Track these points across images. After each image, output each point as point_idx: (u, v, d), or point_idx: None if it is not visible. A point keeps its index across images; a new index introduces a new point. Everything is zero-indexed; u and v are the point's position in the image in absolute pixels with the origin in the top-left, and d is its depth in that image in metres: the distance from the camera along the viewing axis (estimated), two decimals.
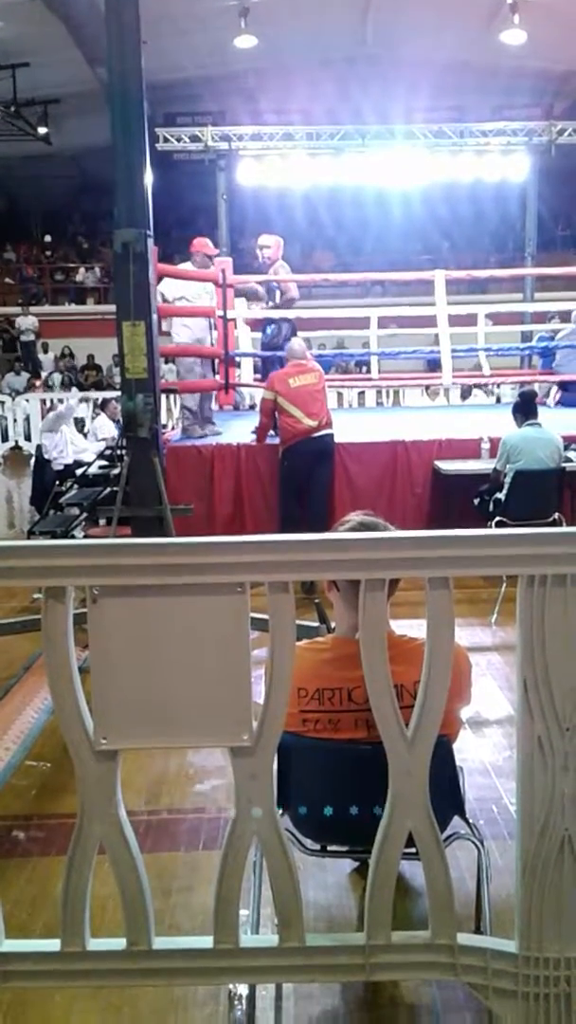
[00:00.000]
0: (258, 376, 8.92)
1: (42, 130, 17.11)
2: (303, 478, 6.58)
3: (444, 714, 1.86)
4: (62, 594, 1.82)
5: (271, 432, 6.80)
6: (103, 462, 7.17)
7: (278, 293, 8.23)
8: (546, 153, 14.45)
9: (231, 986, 2.28)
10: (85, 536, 6.57)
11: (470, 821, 2.30)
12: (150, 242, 4.94)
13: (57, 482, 8.25)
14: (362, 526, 2.24)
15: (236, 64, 16.82)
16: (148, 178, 4.97)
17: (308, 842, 2.24)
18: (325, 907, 2.73)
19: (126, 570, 1.80)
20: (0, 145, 17.37)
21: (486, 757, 3.61)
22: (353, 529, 2.22)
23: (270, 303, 8.35)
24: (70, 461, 8.85)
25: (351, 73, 17.85)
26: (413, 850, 1.93)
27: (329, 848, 2.30)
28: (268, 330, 8.37)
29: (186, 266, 7.67)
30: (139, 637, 1.84)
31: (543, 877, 1.89)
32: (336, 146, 14.28)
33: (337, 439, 6.94)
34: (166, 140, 14.33)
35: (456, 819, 2.24)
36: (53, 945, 1.94)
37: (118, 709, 1.85)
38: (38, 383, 18.61)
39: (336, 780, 2.19)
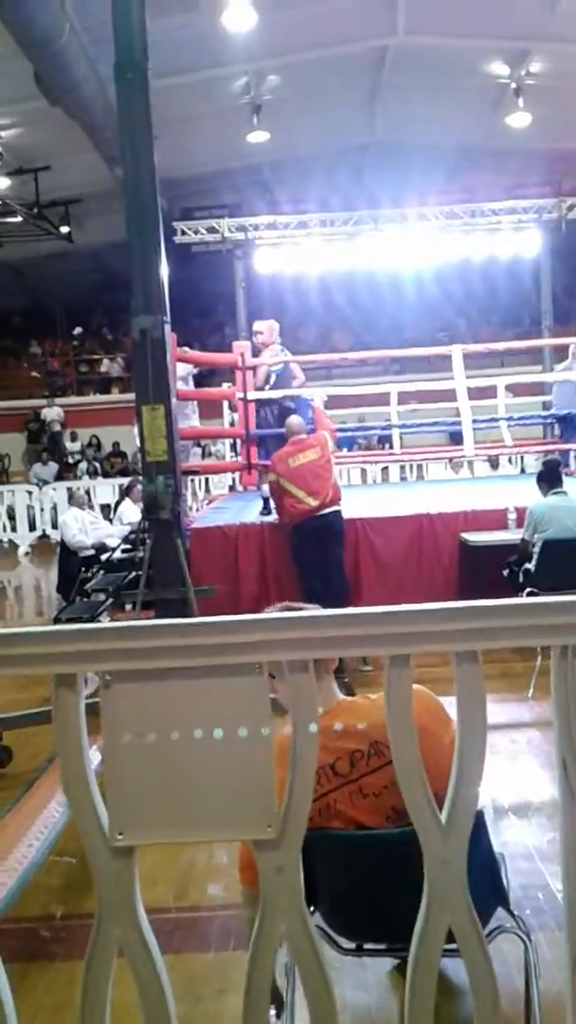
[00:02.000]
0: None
1: (64, 229, 17.67)
2: (316, 556, 6.49)
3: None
4: (72, 681, 1.75)
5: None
6: (127, 546, 7.16)
7: (294, 381, 8.25)
8: (557, 229, 14.68)
9: None
10: (111, 621, 6.52)
11: (515, 912, 2.17)
12: (167, 328, 4.99)
13: (83, 568, 8.24)
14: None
15: (250, 157, 17.37)
16: (164, 267, 5.05)
17: (343, 941, 2.11)
18: (364, 1008, 2.56)
19: (136, 653, 1.73)
20: (24, 245, 17.93)
21: (529, 841, 3.44)
22: None
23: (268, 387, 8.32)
24: (89, 543, 8.86)
25: (363, 160, 18.38)
26: (454, 946, 1.80)
27: (365, 947, 2.16)
28: (261, 412, 8.31)
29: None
30: (153, 724, 1.76)
31: None
32: (350, 231, 14.61)
33: (361, 514, 6.89)
34: (184, 233, 14.72)
35: (500, 911, 2.11)
36: None
37: (133, 802, 1.76)
38: (68, 474, 18.88)
39: (359, 872, 2.06)
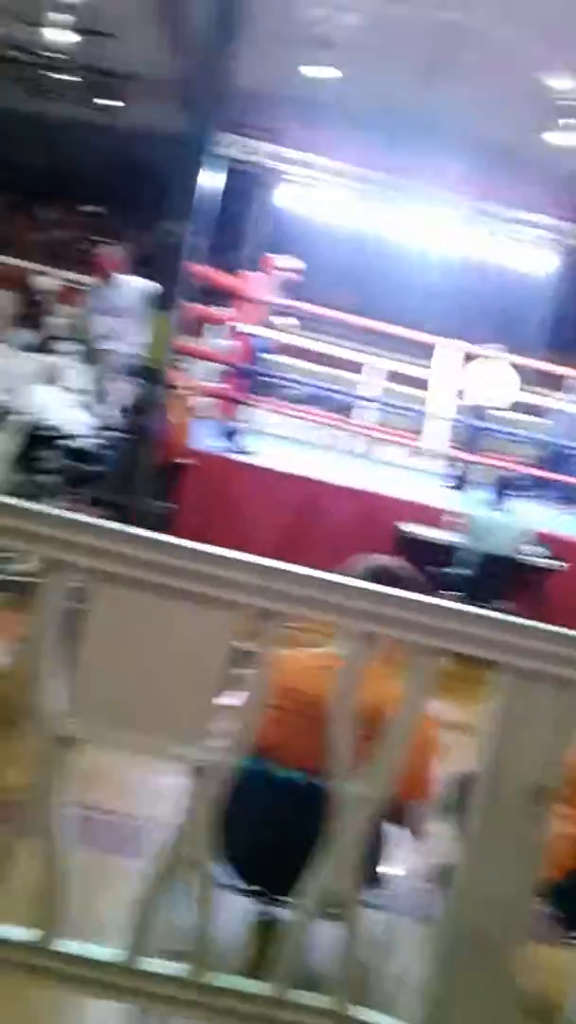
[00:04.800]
0: None
1: (110, 103, 17.12)
2: None
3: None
4: (60, 567, 1.78)
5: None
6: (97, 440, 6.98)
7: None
8: (573, 255, 14.77)
9: None
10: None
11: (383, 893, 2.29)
12: (191, 235, 4.91)
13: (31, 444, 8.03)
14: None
15: (301, 91, 16.96)
16: (216, 178, 4.96)
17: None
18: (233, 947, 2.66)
19: (134, 562, 1.77)
20: (65, 108, 17.34)
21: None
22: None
23: None
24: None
25: (408, 131, 18.10)
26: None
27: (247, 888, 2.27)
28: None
29: None
30: (129, 632, 1.81)
31: (458, 966, 1.88)
32: (381, 195, 14.45)
33: (312, 475, 6.99)
34: (217, 143, 14.38)
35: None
36: None
37: (90, 698, 1.81)
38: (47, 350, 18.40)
39: (272, 812, 2.16)
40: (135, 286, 7.38)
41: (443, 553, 6.36)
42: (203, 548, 1.81)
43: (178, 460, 5.67)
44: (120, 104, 16.96)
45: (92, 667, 1.81)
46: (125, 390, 5.90)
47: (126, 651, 1.82)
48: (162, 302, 4.69)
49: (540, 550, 6.76)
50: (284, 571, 1.81)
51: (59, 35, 14.19)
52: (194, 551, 1.80)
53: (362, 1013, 1.93)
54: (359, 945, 1.90)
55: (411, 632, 1.83)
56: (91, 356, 7.73)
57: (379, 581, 2.27)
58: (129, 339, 7.38)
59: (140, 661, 1.82)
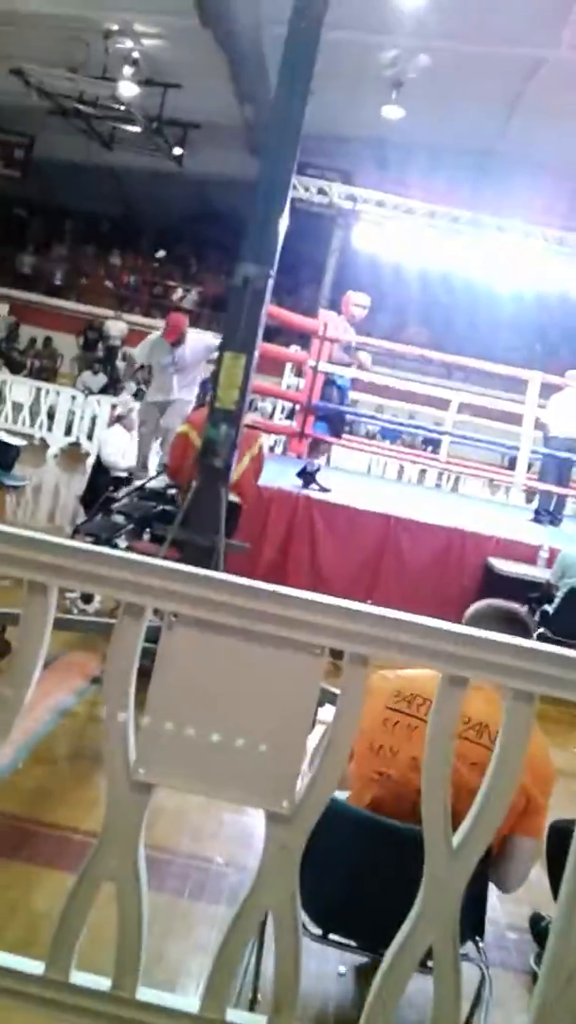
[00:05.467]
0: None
1: (176, 151, 17.52)
2: None
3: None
4: (140, 612, 1.77)
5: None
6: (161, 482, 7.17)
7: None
8: None
9: None
10: (128, 548, 6.55)
11: (479, 944, 2.19)
12: (270, 282, 4.96)
13: (112, 487, 8.26)
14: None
15: (373, 130, 17.13)
16: (284, 221, 5.01)
17: (312, 927, 2.14)
18: (322, 997, 2.59)
19: (211, 605, 1.75)
20: (133, 157, 17.81)
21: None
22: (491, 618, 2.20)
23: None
24: (123, 465, 8.88)
25: (485, 164, 18.08)
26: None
27: (331, 937, 2.19)
28: (327, 387, 8.27)
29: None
30: (204, 676, 1.78)
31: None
32: (453, 230, 14.44)
33: (396, 512, 6.91)
34: (294, 188, 14.58)
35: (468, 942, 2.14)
36: (36, 967, 1.85)
37: (164, 743, 1.78)
38: (113, 391, 18.85)
39: (361, 855, 2.09)
40: (203, 343, 7.83)
41: (536, 590, 6.22)
42: (281, 590, 1.77)
43: (245, 499, 5.68)
44: (184, 152, 17.35)
45: (171, 712, 1.78)
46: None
47: (207, 696, 1.79)
48: (237, 344, 4.72)
49: None
50: (367, 613, 1.76)
51: (126, 88, 14.65)
52: (273, 593, 1.77)
53: None
54: (456, 1001, 1.81)
55: (508, 676, 1.75)
56: (159, 407, 8.07)
57: (508, 625, 2.23)
58: (193, 390, 7.84)
59: (220, 707, 1.79)
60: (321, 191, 14.59)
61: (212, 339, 8.08)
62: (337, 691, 1.78)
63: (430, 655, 1.78)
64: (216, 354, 5.56)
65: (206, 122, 17.14)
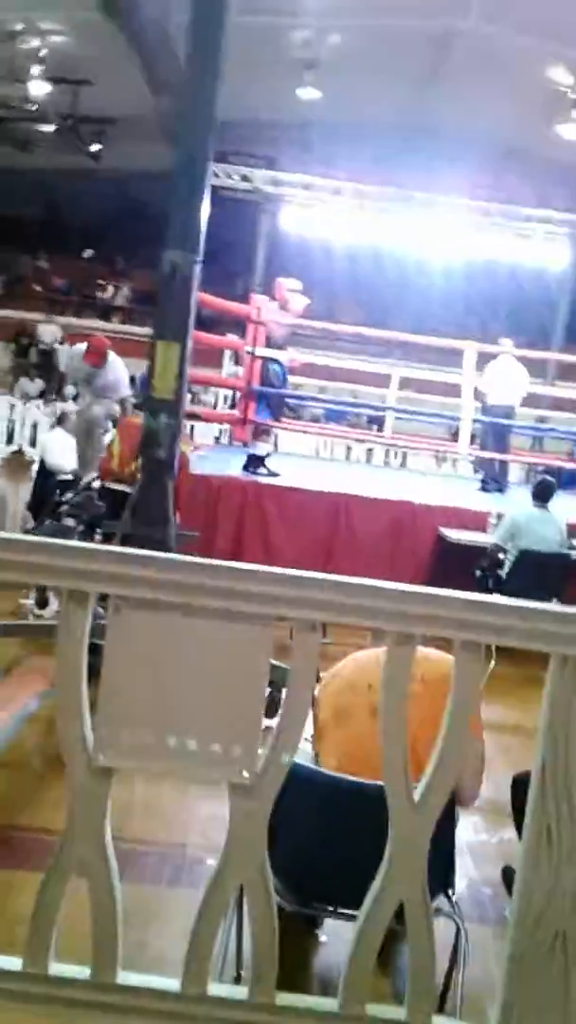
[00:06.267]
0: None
1: (94, 148, 17.32)
2: None
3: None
4: (85, 599, 1.76)
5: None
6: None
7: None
8: None
9: None
10: None
11: (453, 898, 2.23)
12: (197, 268, 4.94)
13: (59, 491, 8.19)
14: None
15: (294, 113, 17.09)
16: (205, 206, 4.99)
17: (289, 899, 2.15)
18: (303, 965, 2.62)
19: (153, 584, 1.75)
20: (50, 157, 17.58)
21: (465, 836, 3.52)
22: None
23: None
24: (69, 468, 8.82)
25: (405, 140, 18.15)
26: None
27: (312, 905, 2.22)
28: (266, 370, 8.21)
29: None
30: (155, 656, 1.78)
31: (531, 970, 1.82)
32: (382, 207, 14.50)
33: (346, 490, 6.93)
34: (216, 176, 14.52)
35: (441, 896, 2.17)
36: (14, 964, 1.85)
37: (121, 726, 1.78)
38: (53, 395, 18.61)
39: (329, 818, 2.11)
40: (121, 368, 7.87)
41: (489, 556, 6.29)
42: (222, 563, 1.78)
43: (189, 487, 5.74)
44: (102, 148, 17.15)
45: (125, 695, 1.78)
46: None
47: (159, 675, 1.79)
48: (169, 333, 4.70)
49: None
50: (310, 579, 1.77)
51: (37, 87, 14.44)
52: (214, 567, 1.78)
53: (439, 1022, 1.88)
54: (430, 951, 1.84)
55: (455, 629, 1.78)
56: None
57: None
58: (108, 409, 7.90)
59: (173, 685, 1.79)
60: (245, 178, 14.55)
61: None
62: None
63: (374, 615, 1.80)
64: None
65: (122, 116, 16.96)
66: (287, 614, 1.76)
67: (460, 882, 3.04)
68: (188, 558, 1.78)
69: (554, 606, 1.78)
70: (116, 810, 3.37)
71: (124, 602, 1.76)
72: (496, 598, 1.77)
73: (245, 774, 1.79)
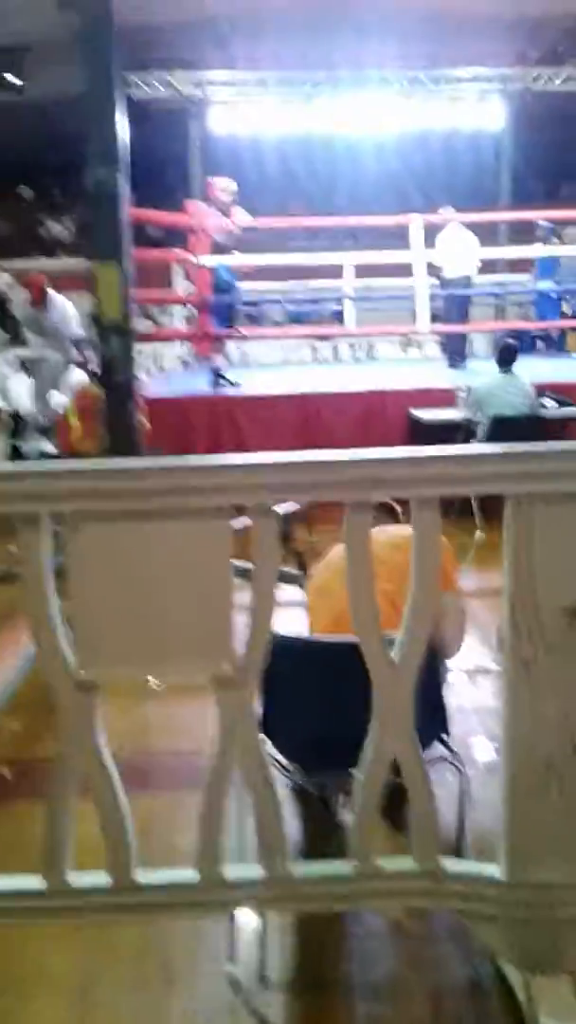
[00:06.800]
0: None
1: (14, 80, 16.59)
2: None
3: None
4: (36, 520, 1.76)
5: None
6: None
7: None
8: (521, 101, 14.27)
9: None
10: None
11: (451, 747, 2.30)
12: (122, 179, 4.80)
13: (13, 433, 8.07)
14: None
15: (208, 10, 16.37)
16: (122, 118, 4.82)
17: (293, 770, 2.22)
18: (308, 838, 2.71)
19: (104, 494, 1.74)
20: None
21: (465, 699, 3.60)
22: None
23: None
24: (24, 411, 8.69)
25: (325, 21, 17.42)
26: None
27: (314, 775, 2.29)
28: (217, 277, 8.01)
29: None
30: (119, 565, 1.79)
31: (528, 802, 1.88)
32: (309, 93, 14.03)
33: (313, 389, 6.89)
34: (137, 86, 14.00)
35: (440, 746, 2.24)
36: (35, 882, 1.91)
37: (98, 639, 1.80)
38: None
39: (313, 681, 2.16)
40: (66, 306, 7.56)
41: (460, 430, 6.29)
42: (168, 462, 1.77)
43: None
44: (23, 80, 16.42)
45: (96, 608, 1.80)
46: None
47: (126, 584, 1.80)
48: (104, 252, 4.59)
49: (557, 401, 6.67)
50: (260, 464, 1.77)
51: None
52: (162, 468, 1.77)
53: (453, 864, 1.95)
54: (428, 797, 1.89)
55: (408, 488, 1.79)
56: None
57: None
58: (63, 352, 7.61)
59: (142, 591, 1.81)
60: (167, 84, 14.02)
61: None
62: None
63: (329, 488, 1.81)
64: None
65: (37, 43, 16.21)
66: (240, 501, 1.76)
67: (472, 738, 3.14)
68: (134, 462, 1.78)
69: (495, 446, 1.78)
70: (136, 729, 3.47)
71: (80, 517, 1.76)
72: (437, 448, 1.76)
73: (225, 665, 1.82)
